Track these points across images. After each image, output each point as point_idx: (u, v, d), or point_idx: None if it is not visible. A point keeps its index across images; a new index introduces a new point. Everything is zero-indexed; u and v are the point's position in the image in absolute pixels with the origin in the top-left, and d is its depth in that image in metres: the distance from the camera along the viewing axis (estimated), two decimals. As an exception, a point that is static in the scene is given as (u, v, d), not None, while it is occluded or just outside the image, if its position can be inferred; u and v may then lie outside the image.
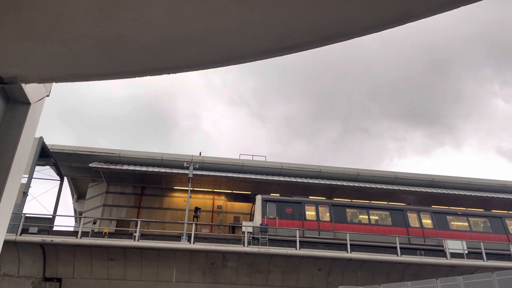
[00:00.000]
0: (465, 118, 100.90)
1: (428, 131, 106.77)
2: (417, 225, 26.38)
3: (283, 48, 1.14)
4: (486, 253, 23.34)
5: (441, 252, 23.61)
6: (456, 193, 30.25)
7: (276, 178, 29.41)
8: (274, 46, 1.14)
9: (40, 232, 21.16)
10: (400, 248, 22.90)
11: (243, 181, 29.61)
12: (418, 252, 23.70)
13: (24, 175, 23.01)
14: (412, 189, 30.22)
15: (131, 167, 28.17)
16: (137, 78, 1.32)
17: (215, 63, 1.24)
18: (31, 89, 1.60)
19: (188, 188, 26.28)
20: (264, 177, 29.32)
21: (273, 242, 22.86)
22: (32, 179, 24.14)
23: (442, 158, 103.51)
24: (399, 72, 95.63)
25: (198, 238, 22.36)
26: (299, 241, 22.27)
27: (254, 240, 22.77)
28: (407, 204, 29.81)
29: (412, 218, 26.68)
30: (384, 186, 30.00)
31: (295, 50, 1.15)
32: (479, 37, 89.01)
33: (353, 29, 1.06)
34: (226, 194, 32.13)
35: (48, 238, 20.29)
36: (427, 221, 26.67)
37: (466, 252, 23.59)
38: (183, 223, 23.73)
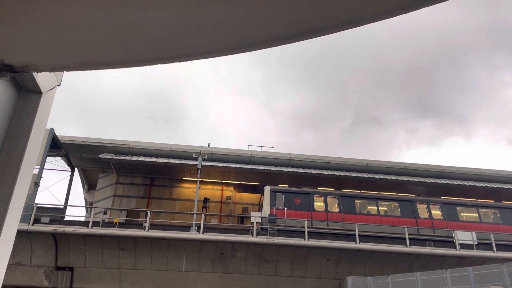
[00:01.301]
0: (476, 108, 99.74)
1: (438, 121, 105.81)
2: (427, 216, 26.28)
3: (296, 34, 1.13)
4: (496, 244, 23.21)
5: (450, 243, 23.53)
6: (466, 184, 30.04)
7: (284, 169, 29.43)
8: (286, 32, 1.13)
9: (51, 222, 21.45)
10: (409, 239, 22.85)
11: (252, 172, 29.68)
12: (427, 243, 23.64)
13: (35, 166, 23.26)
14: (421, 180, 30.04)
15: (141, 158, 28.37)
16: (148, 66, 1.32)
17: (226, 51, 1.23)
18: (42, 78, 1.60)
19: (197, 179, 26.42)
20: (273, 168, 29.36)
21: (281, 232, 22.96)
22: (44, 170, 24.44)
23: (452, 148, 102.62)
24: (409, 62, 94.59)
25: (207, 229, 22.53)
26: (308, 232, 22.32)
27: (262, 231, 22.88)
28: (416, 195, 29.67)
29: (422, 209, 26.58)
30: (393, 177, 29.87)
31: (307, 37, 1.13)
32: (490, 25, 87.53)
33: (368, 14, 1.04)
34: (235, 185, 32.26)
35: (60, 228, 20.58)
36: (436, 212, 26.56)
37: (476, 243, 23.48)
38: (192, 214, 23.90)
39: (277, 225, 23.59)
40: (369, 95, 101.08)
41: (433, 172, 31.39)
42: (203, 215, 22.65)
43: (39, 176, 23.58)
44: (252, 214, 24.18)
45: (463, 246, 23.14)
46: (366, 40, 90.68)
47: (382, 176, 29.86)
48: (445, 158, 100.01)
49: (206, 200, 29.13)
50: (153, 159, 28.45)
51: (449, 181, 30.27)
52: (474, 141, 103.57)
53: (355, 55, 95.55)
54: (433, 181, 30.06)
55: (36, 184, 23.17)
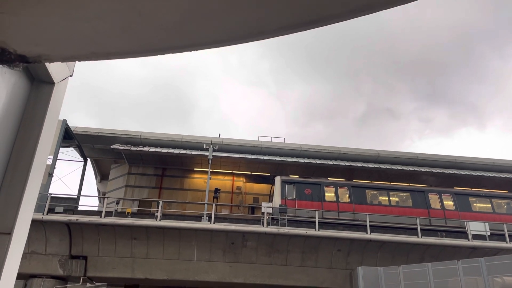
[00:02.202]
0: (489, 98, 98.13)
1: (451, 111, 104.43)
2: (439, 206, 26.08)
3: (308, 22, 1.11)
4: (509, 235, 22.96)
5: (463, 234, 23.35)
6: (479, 174, 29.68)
7: (295, 159, 29.38)
8: (298, 20, 1.11)
9: (65, 211, 21.79)
10: (421, 229, 22.73)
11: (262, 162, 29.70)
12: (439, 233, 23.49)
13: (49, 157, 23.60)
14: (433, 170, 29.76)
15: (152, 149, 28.57)
16: (158, 56, 1.32)
17: (236, 39, 1.22)
18: (55, 69, 1.61)
19: (208, 170, 26.53)
20: (283, 158, 29.32)
21: (292, 223, 23.01)
22: (57, 161, 24.75)
23: (465, 139, 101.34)
24: (422, 50, 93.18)
25: (218, 219, 22.67)
26: (318, 222, 22.33)
27: (273, 221, 22.95)
28: (428, 185, 29.43)
29: (434, 200, 26.38)
30: (405, 168, 29.64)
31: (320, 24, 1.12)
32: (503, 14, 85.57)
33: (381, 0, 1.02)
34: (245, 176, 32.33)
35: (73, 218, 20.89)
36: (448, 203, 26.34)
37: (489, 233, 23.26)
38: (204, 204, 24.06)
39: (287, 216, 23.63)
40: (382, 84, 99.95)
41: (446, 162, 31.06)
42: (214, 205, 22.78)
43: (52, 166, 23.90)
44: (263, 204, 24.25)
45: (476, 237, 22.94)
46: (378, 28, 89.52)
47: (393, 167, 29.64)
48: (458, 148, 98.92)
49: (217, 190, 29.28)
50: (164, 150, 28.62)
51: (461, 172, 29.93)
52: (487, 131, 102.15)
53: (367, 43, 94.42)
54: (445, 171, 29.76)
55: (50, 175, 23.50)
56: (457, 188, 28.43)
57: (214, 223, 21.69)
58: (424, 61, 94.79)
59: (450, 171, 29.84)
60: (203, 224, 21.69)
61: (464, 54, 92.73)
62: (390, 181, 30.34)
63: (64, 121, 24.80)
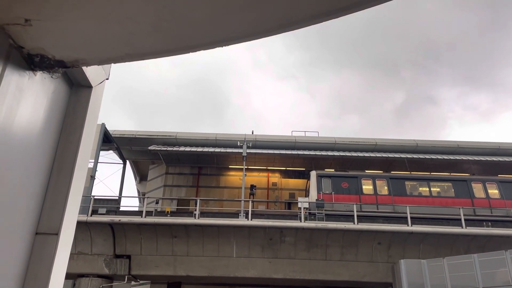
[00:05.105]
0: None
1: (493, 96, 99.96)
2: (483, 195, 25.10)
3: (340, 9, 1.08)
4: (562, 223, 21.80)
5: (510, 223, 22.38)
6: (526, 160, 28.30)
7: (330, 153, 29.05)
8: (328, 7, 1.08)
9: (108, 212, 22.53)
10: (465, 220, 21.95)
11: (297, 157, 29.56)
12: (484, 223, 22.61)
13: (90, 160, 24.44)
14: (476, 158, 28.62)
15: (188, 149, 29.05)
16: (190, 53, 1.33)
17: (267, 31, 1.20)
18: (92, 72, 1.65)
19: (242, 167, 26.69)
20: (318, 152, 29.06)
21: (330, 217, 22.80)
22: (98, 164, 25.62)
23: (508, 124, 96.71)
24: (458, 32, 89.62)
25: (255, 215, 22.77)
26: (357, 216, 22.00)
27: (310, 216, 22.82)
28: (471, 174, 28.36)
29: (477, 189, 25.40)
30: (445, 157, 28.67)
31: (352, 10, 1.08)
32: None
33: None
34: (281, 171, 32.30)
35: (116, 218, 21.57)
36: (493, 191, 25.30)
37: (539, 222, 22.18)
38: (240, 201, 24.24)
39: (325, 210, 23.43)
40: (421, 71, 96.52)
41: (488, 149, 29.81)
42: (250, 202, 22.90)
43: (94, 169, 24.75)
44: (299, 199, 24.15)
45: (525, 226, 21.93)
46: (413, 12, 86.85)
47: (433, 156, 28.74)
48: (501, 134, 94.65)
49: (252, 187, 29.41)
50: (199, 149, 29.04)
51: (506, 158, 28.63)
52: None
53: (402, 29, 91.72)
54: (488, 158, 28.56)
55: (92, 177, 24.35)
56: (502, 176, 27.24)
57: (251, 220, 21.81)
58: (462, 44, 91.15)
59: (494, 158, 28.61)
60: (241, 221, 21.85)
61: (504, 34, 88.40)
62: (430, 171, 29.46)
63: (103, 125, 25.61)
